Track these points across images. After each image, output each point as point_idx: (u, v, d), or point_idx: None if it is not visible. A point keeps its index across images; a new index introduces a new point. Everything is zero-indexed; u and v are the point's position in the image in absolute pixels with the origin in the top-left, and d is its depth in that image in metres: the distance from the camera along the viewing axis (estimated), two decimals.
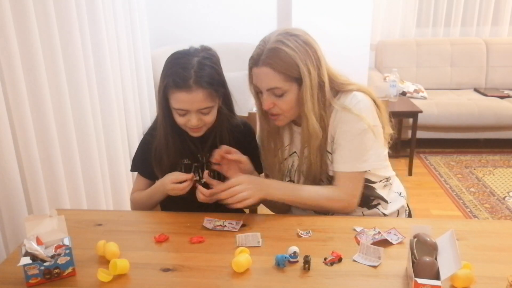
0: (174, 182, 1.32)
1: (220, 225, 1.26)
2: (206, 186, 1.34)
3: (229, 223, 1.27)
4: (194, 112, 1.29)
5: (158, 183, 1.41)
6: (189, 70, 1.26)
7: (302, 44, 1.26)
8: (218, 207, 1.37)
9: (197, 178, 1.38)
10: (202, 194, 1.30)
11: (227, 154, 1.34)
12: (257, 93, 1.35)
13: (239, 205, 1.25)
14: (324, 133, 1.32)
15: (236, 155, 1.35)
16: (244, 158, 1.36)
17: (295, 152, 1.43)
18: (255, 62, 1.28)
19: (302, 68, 1.24)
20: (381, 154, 1.34)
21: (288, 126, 1.43)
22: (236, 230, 1.24)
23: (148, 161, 1.43)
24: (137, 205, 1.49)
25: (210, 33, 3.52)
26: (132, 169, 1.52)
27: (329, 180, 1.36)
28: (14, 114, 1.43)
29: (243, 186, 1.25)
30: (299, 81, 1.26)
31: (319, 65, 1.28)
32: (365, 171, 1.33)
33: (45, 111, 1.56)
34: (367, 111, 1.29)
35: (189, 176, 1.33)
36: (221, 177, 1.41)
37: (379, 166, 1.35)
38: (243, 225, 1.27)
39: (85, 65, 1.86)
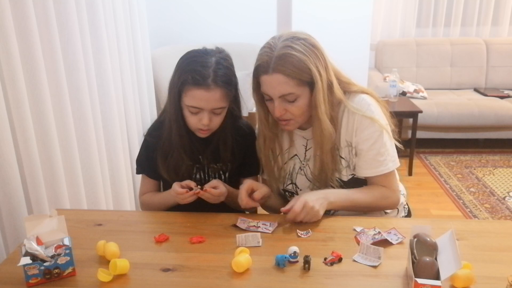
0: (178, 194, 1.31)
1: (254, 225, 1.25)
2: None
3: (263, 224, 1.25)
4: (208, 111, 1.29)
5: (170, 191, 1.37)
6: (208, 69, 1.27)
7: (310, 47, 1.25)
8: (223, 207, 1.37)
9: (199, 188, 1.32)
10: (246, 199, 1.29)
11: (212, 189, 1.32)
12: (261, 100, 1.33)
13: (312, 219, 1.25)
14: (335, 134, 1.32)
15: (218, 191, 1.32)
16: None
17: (295, 155, 1.42)
18: (264, 70, 1.24)
19: (314, 71, 1.23)
20: (395, 149, 1.38)
21: None
22: (270, 232, 1.22)
23: (154, 162, 1.42)
24: (148, 207, 1.49)
25: (210, 33, 3.52)
26: (138, 172, 1.51)
27: (341, 185, 1.37)
28: (14, 114, 1.43)
29: (311, 203, 1.24)
30: (310, 84, 1.25)
31: (327, 66, 1.28)
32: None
33: (45, 111, 1.56)
34: (378, 113, 1.33)
35: (189, 191, 1.30)
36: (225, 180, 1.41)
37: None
38: (278, 226, 1.25)
39: (85, 65, 1.85)
